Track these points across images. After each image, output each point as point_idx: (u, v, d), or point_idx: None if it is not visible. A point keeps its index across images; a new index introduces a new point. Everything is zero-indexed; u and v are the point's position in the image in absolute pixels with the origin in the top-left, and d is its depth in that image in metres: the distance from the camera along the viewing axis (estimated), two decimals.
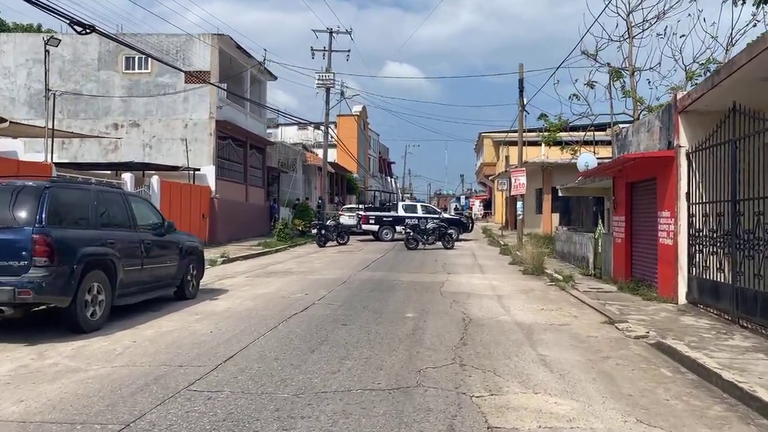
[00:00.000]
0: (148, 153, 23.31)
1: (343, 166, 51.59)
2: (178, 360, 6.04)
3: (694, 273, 9.87)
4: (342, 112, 51.26)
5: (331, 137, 37.69)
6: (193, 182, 22.62)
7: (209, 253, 18.34)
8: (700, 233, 9.64)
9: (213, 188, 23.23)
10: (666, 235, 10.78)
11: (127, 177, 17.36)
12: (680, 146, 10.22)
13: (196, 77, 22.72)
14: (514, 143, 42.31)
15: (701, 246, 9.58)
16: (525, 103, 22.25)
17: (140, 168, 20.51)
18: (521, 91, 22.18)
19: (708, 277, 9.30)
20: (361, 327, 7.79)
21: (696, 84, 12.35)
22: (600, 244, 15.58)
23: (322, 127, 43.56)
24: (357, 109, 60.53)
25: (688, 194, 10.08)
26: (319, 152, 52.14)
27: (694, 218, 9.92)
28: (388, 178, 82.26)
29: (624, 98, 20.63)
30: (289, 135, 54.48)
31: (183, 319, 8.31)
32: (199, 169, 22.94)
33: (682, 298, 10.17)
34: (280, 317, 8.42)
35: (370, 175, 66.75)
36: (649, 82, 19.84)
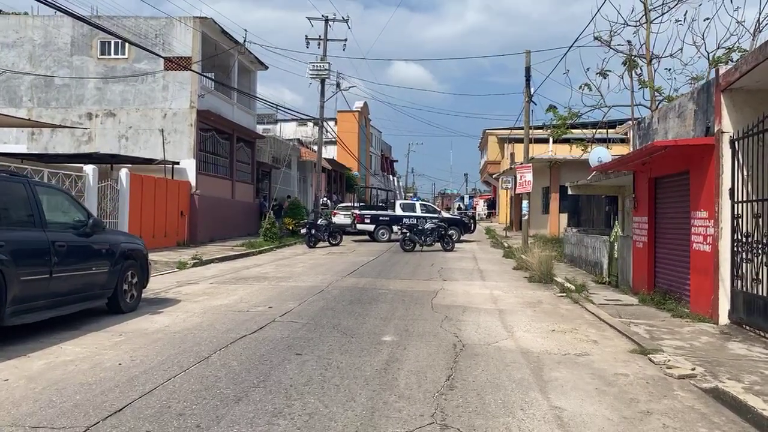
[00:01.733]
0: (125, 145, 21.58)
1: (342, 163, 49.87)
2: (41, 414, 4.27)
3: (739, 287, 8.05)
4: (342, 108, 49.48)
5: (329, 132, 35.88)
6: (172, 177, 20.90)
7: (182, 255, 16.66)
8: (749, 238, 7.82)
9: (193, 183, 21.49)
10: (702, 239, 8.96)
11: (89, 170, 15.62)
12: (723, 132, 8.40)
13: (176, 63, 21.01)
14: (519, 140, 40.43)
15: (751, 254, 7.76)
16: (532, 93, 20.41)
17: (108, 160, 18.75)
18: (528, 80, 20.34)
19: (761, 292, 7.49)
20: (320, 358, 6.01)
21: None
22: (616, 248, 13.77)
23: (326, 124, 41.97)
24: (358, 105, 58.82)
25: (732, 190, 8.26)
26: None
27: (740, 219, 8.10)
28: (391, 176, 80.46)
29: (641, 88, 18.85)
30: (288, 131, 52.76)
31: (97, 343, 6.54)
32: (178, 163, 21.21)
33: (723, 317, 8.36)
34: (221, 342, 6.65)
35: (372, 174, 64.98)
36: (669, 71, 17.79)
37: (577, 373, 5.70)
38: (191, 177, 21.44)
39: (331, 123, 53.54)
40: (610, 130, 24.91)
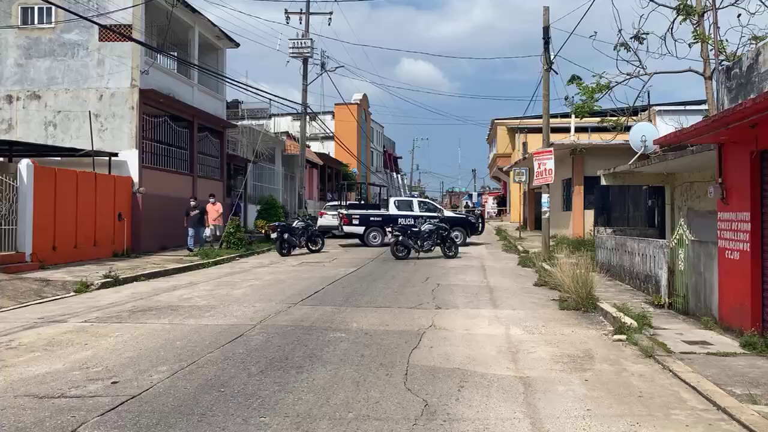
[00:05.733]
0: (53, 133, 17.64)
1: (340, 160, 45.83)
2: None
3: None
4: (339, 101, 45.38)
5: (313, 124, 31.86)
6: (109, 171, 16.94)
7: (102, 270, 12.63)
8: None
9: (136, 179, 17.50)
10: None
11: None
12: None
13: (114, 32, 17.03)
14: (532, 129, 36.23)
15: None
16: (552, 58, 16.22)
17: (6, 149, 14.85)
18: (547, 43, 16.15)
19: None
20: None
21: None
22: (682, 257, 9.64)
23: (320, 117, 37.93)
24: (357, 97, 54.88)
25: None
26: (314, 145, 46.48)
27: None
28: (394, 174, 76.30)
29: (696, 42, 14.68)
30: (283, 126, 48.83)
31: None
32: (116, 154, 17.25)
33: None
34: None
35: (373, 171, 60.87)
36: (739, 17, 13.64)
37: None
38: (133, 171, 17.45)
39: (327, 116, 49.57)
40: (632, 118, 20.74)
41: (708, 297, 8.59)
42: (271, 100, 30.30)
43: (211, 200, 19.25)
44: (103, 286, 11.35)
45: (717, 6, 14.46)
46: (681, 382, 5.35)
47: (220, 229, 18.82)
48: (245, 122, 29.50)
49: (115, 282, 11.72)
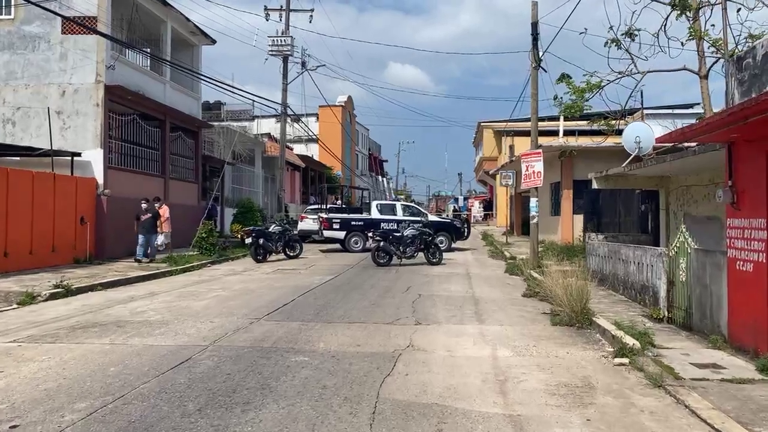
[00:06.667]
0: (11, 131, 16.53)
1: (324, 163, 44.87)
2: None
3: None
4: (317, 99, 44.41)
5: (292, 125, 30.88)
6: (71, 172, 15.88)
7: (58, 277, 11.52)
8: None
9: (101, 181, 16.44)
10: None
11: None
12: None
13: (77, 24, 15.97)
14: (519, 132, 35.55)
15: None
16: (540, 55, 15.43)
17: None
18: (535, 39, 15.36)
19: None
20: None
21: None
22: (683, 267, 8.83)
23: (303, 119, 37.00)
24: (341, 99, 53.98)
25: None
26: (298, 147, 45.48)
27: None
28: (380, 177, 75.39)
29: (690, 39, 13.96)
30: (265, 129, 47.74)
31: None
32: (79, 154, 16.18)
33: None
34: None
35: (358, 174, 59.95)
36: (738, 12, 12.98)
37: None
38: (98, 172, 16.39)
39: (311, 118, 48.57)
40: (622, 120, 20.09)
41: (715, 312, 7.78)
42: (252, 100, 29.32)
43: (157, 204, 16.93)
44: (52, 297, 10.31)
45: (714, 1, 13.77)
46: (701, 422, 4.49)
47: (167, 236, 17.00)
48: (225, 123, 28.52)
49: (67, 292, 10.68)
